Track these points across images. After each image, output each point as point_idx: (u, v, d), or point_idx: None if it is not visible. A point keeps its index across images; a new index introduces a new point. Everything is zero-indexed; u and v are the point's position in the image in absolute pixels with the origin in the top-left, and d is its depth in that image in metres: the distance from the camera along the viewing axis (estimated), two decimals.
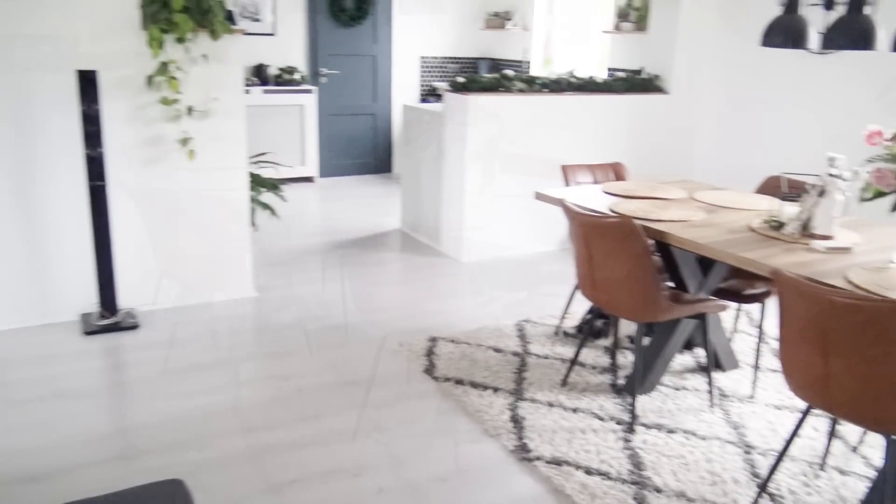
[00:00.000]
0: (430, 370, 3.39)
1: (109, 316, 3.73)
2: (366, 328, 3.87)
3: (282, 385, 3.23)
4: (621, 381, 3.35)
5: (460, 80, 4.98)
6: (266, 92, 7.04)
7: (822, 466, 2.72)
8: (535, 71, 7.42)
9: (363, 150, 8.01)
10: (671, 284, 3.29)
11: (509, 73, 5.14)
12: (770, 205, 3.25)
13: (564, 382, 3.30)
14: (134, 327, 3.75)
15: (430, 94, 8.11)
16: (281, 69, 7.27)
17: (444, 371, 3.38)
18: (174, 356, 3.47)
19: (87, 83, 3.38)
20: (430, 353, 3.57)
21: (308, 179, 7.59)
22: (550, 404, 3.11)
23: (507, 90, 5.02)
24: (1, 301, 3.67)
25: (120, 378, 3.25)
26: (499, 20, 7.72)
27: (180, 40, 3.61)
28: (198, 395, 3.11)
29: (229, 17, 3.75)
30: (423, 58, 8.07)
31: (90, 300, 3.86)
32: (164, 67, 3.61)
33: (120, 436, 2.78)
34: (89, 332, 3.67)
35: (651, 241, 2.85)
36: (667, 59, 5.58)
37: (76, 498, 2.39)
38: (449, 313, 4.13)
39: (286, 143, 7.29)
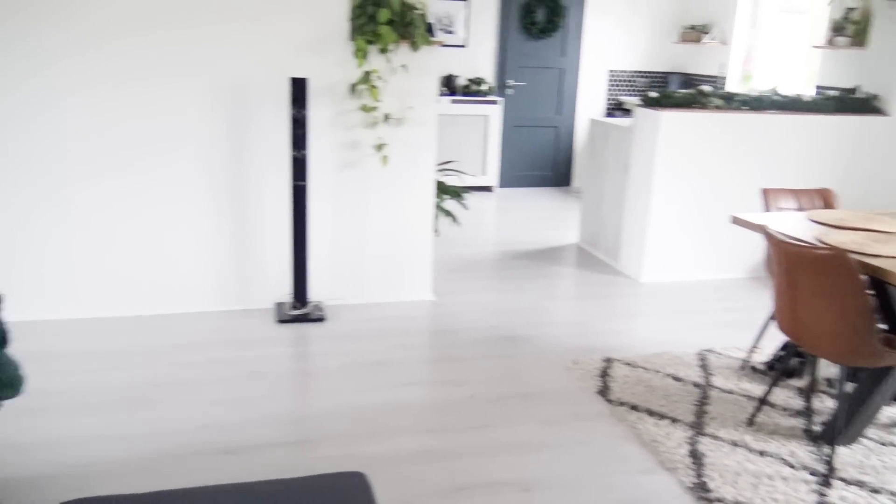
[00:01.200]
0: (603, 392, 3.29)
1: (300, 307, 3.98)
2: (539, 342, 3.84)
3: (455, 390, 3.27)
4: (817, 428, 3.05)
5: (653, 94, 4.82)
6: (454, 102, 7.23)
7: None
8: (731, 87, 7.02)
9: (543, 163, 8.00)
10: (885, 327, 2.96)
11: (706, 88, 4.90)
12: None
13: (751, 422, 3.07)
14: (321, 320, 3.97)
15: (617, 109, 7.94)
16: (469, 80, 7.43)
17: (618, 394, 3.27)
18: (355, 351, 3.63)
19: (299, 90, 3.63)
20: (604, 374, 3.47)
21: (487, 189, 7.69)
22: (734, 443, 2.90)
23: (703, 107, 4.79)
24: (209, 286, 4.03)
25: (305, 366, 3.45)
26: (695, 33, 7.40)
27: (383, 51, 3.79)
28: (375, 391, 3.23)
29: (429, 30, 3.87)
30: (611, 71, 7.91)
31: (284, 291, 4.14)
32: (366, 76, 3.80)
33: (302, 421, 2.95)
34: (281, 321, 3.93)
35: (865, 278, 2.57)
36: (889, 77, 5.06)
37: (264, 475, 2.56)
38: (625, 335, 3.99)
39: (469, 153, 7.43)
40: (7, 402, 2.96)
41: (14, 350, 3.36)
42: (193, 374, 3.31)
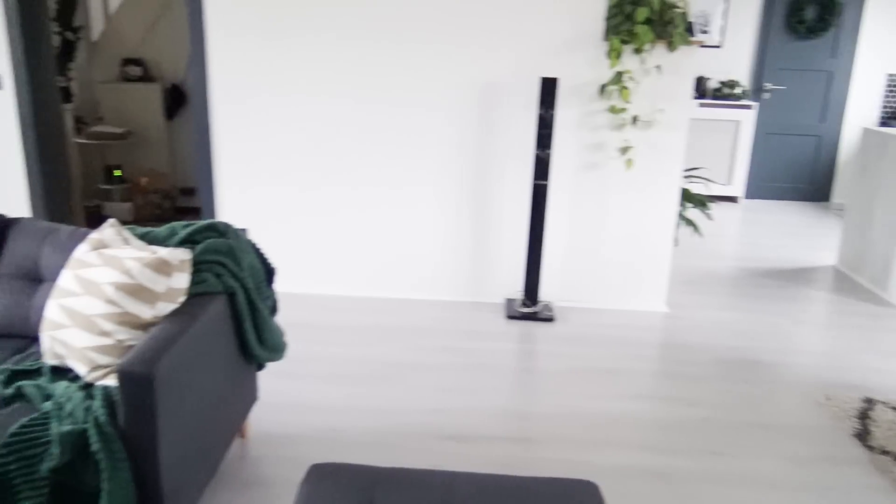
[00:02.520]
0: (861, 436, 2.92)
1: (530, 305, 4.01)
2: (785, 370, 3.51)
3: (686, 410, 3.10)
4: None
5: None
6: (703, 105, 6.85)
7: None
8: None
9: (799, 174, 7.31)
10: None
11: None
12: None
13: None
14: (550, 320, 3.97)
15: (895, 118, 7.02)
16: (721, 82, 7.00)
17: (880, 441, 2.88)
18: (582, 355, 3.57)
19: (549, 89, 3.65)
20: (863, 415, 3.08)
21: (732, 199, 7.20)
22: None
23: None
24: (446, 276, 4.20)
25: (532, 365, 3.46)
26: None
27: (638, 51, 3.67)
28: (599, 399, 3.16)
29: (688, 29, 3.69)
30: (890, 75, 7.01)
31: (515, 288, 4.20)
32: (618, 77, 3.72)
33: (526, 419, 2.96)
34: (511, 317, 3.99)
35: None
36: None
37: (486, 466, 2.61)
38: (891, 374, 3.51)
39: (715, 160, 7.01)
40: (270, 365, 3.31)
41: (279, 319, 3.76)
42: (427, 359, 3.46)
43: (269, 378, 3.22)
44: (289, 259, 4.24)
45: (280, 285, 4.27)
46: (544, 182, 3.79)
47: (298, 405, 3.00)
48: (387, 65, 3.90)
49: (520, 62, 3.85)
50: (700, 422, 3.00)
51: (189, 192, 6.17)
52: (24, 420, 1.88)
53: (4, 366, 2.16)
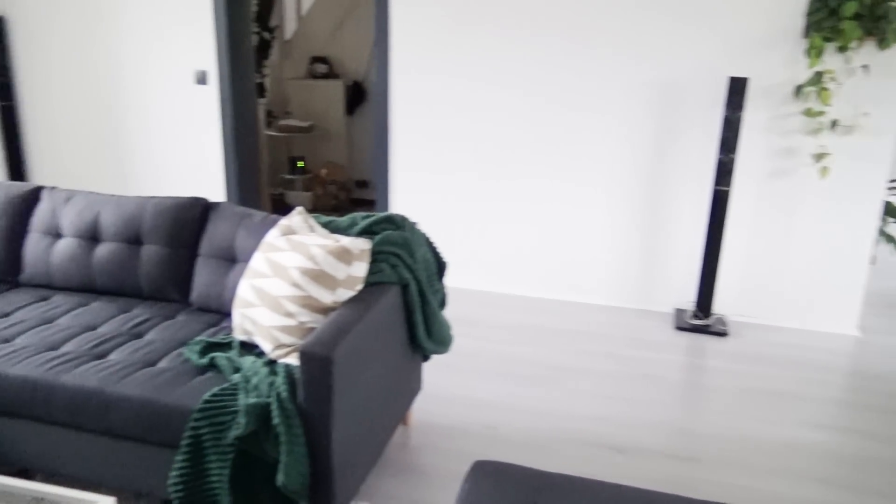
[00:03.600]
0: None
1: (702, 317, 3.80)
2: None
3: (878, 447, 2.80)
4: None
5: None
6: None
7: None
8: None
9: None
10: None
11: None
12: None
13: None
14: (722, 334, 3.74)
15: None
16: None
17: None
18: (757, 375, 3.34)
19: (737, 90, 3.43)
20: None
21: None
22: None
23: None
24: (613, 280, 4.09)
25: (701, 380, 3.28)
26: None
27: (842, 49, 3.36)
28: (775, 423, 2.93)
29: None
30: None
31: (686, 298, 4.00)
32: (817, 77, 3.42)
33: (693, 437, 2.81)
34: (680, 328, 3.81)
35: None
36: None
37: (649, 482, 2.50)
38: None
39: None
40: (435, 357, 3.38)
41: (446, 312, 3.83)
42: (591, 364, 3.38)
43: (433, 370, 3.28)
44: (457, 254, 4.31)
45: (448, 279, 4.35)
46: (726, 188, 3.57)
47: (459, 399, 3.04)
48: (562, 64, 3.84)
49: (704, 61, 3.65)
50: (892, 461, 2.70)
51: (363, 184, 6.46)
52: (215, 389, 2.04)
53: (200, 337, 2.36)
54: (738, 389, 3.20)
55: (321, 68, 6.27)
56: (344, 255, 2.20)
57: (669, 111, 3.77)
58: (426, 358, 2.78)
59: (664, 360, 3.47)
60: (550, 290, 4.21)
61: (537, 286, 4.22)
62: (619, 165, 3.92)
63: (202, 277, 2.64)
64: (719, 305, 3.96)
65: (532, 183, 4.07)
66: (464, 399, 3.04)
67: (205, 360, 2.21)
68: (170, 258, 2.69)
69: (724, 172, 3.56)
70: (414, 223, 2.57)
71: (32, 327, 2.46)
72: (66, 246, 2.79)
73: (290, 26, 6.37)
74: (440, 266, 2.65)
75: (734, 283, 3.92)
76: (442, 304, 2.68)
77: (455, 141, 4.12)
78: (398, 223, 2.49)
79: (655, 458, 2.67)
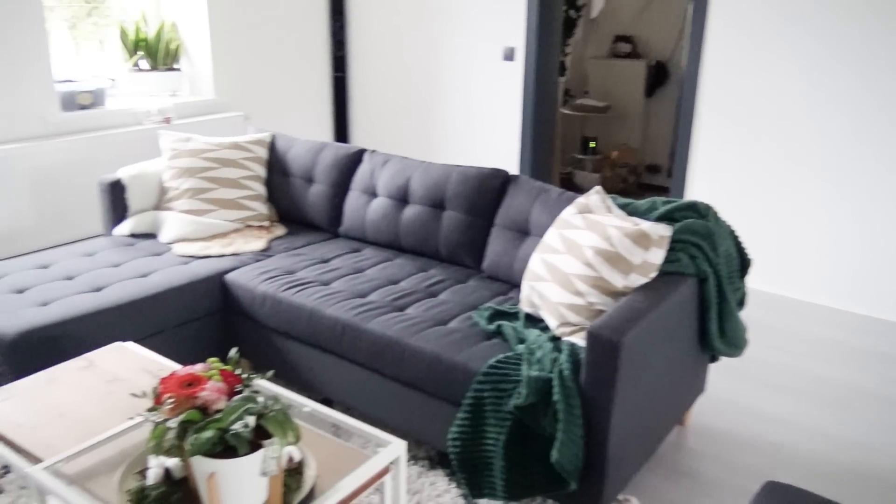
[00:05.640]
0: None
1: None
2: None
3: None
4: None
5: None
6: None
7: None
8: None
9: None
10: None
11: None
12: None
13: None
14: None
15: None
16: None
17: None
18: None
19: None
20: None
21: None
22: None
23: None
24: None
25: None
26: None
27: None
28: None
29: None
30: None
31: None
32: None
33: None
34: None
35: None
36: None
37: None
38: None
39: None
40: (723, 360, 3.15)
41: (742, 314, 3.55)
42: None
43: (720, 373, 3.06)
44: (758, 253, 3.96)
45: (748, 279, 4.02)
46: None
47: (745, 408, 2.80)
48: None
49: None
50: None
51: (654, 169, 6.21)
52: (500, 356, 2.10)
53: (489, 304, 2.44)
54: None
55: (624, 48, 6.12)
56: (642, 240, 2.11)
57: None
58: (714, 359, 2.59)
59: None
60: (863, 305, 3.68)
61: (848, 298, 3.71)
62: None
63: (495, 247, 2.73)
64: None
65: (848, 186, 3.57)
66: (750, 409, 2.79)
67: (492, 327, 2.28)
68: (468, 225, 2.81)
69: None
70: (718, 214, 2.39)
71: (346, 275, 2.74)
72: (379, 205, 3.06)
73: (597, 4, 6.29)
74: (744, 263, 2.44)
75: None
76: (740, 303, 2.47)
77: (765, 133, 3.75)
78: (702, 212, 2.33)
79: None
